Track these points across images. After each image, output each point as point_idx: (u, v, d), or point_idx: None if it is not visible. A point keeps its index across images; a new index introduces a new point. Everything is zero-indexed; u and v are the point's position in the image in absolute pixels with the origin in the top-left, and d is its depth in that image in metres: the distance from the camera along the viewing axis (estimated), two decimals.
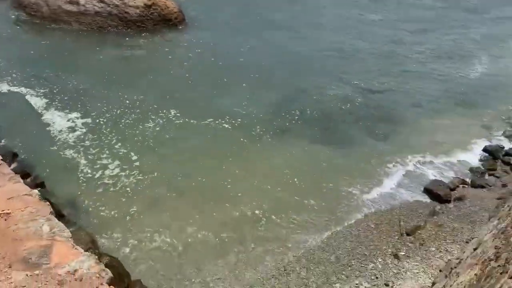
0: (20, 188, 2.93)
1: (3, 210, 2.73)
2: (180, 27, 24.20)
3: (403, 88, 19.67)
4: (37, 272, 3.75)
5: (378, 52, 23.49)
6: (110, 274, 5.12)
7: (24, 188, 2.89)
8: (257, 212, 11.69)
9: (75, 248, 2.48)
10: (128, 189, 12.08)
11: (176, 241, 10.60)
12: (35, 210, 2.71)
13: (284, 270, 9.98)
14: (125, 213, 11.26)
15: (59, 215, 10.91)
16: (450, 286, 6.43)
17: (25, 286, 3.51)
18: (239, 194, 12.26)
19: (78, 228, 10.53)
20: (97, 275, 4.17)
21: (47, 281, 3.67)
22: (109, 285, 5.13)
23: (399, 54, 23.54)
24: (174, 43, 22.50)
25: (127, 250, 10.22)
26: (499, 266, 4.01)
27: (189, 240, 10.67)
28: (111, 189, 12.06)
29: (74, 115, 15.30)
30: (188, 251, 10.37)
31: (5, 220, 2.63)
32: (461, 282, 5.91)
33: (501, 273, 3.56)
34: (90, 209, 11.33)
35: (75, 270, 3.88)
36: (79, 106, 15.86)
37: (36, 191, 2.85)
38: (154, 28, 23.46)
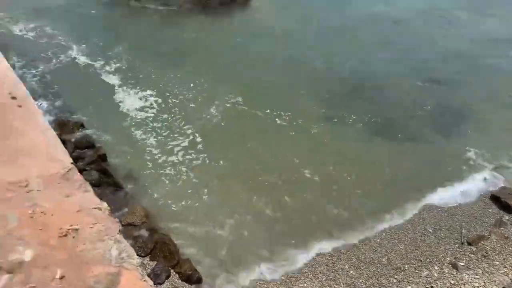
0: (90, 199, 2.68)
1: (71, 225, 2.58)
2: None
3: (472, 81, 18.36)
4: None
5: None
6: None
7: (94, 200, 2.65)
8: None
9: (144, 280, 2.28)
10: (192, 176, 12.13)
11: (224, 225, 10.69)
12: (104, 228, 2.49)
13: (333, 266, 9.79)
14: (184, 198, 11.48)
15: (118, 188, 11.50)
16: None
17: None
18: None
19: (135, 202, 11.04)
20: None
21: None
22: None
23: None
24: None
25: (179, 228, 10.51)
26: None
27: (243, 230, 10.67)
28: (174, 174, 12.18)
29: (145, 93, 15.68)
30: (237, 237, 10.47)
31: (73, 237, 2.47)
32: None
33: None
34: (149, 187, 11.61)
35: None
36: (151, 85, 16.18)
37: (105, 204, 2.63)
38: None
